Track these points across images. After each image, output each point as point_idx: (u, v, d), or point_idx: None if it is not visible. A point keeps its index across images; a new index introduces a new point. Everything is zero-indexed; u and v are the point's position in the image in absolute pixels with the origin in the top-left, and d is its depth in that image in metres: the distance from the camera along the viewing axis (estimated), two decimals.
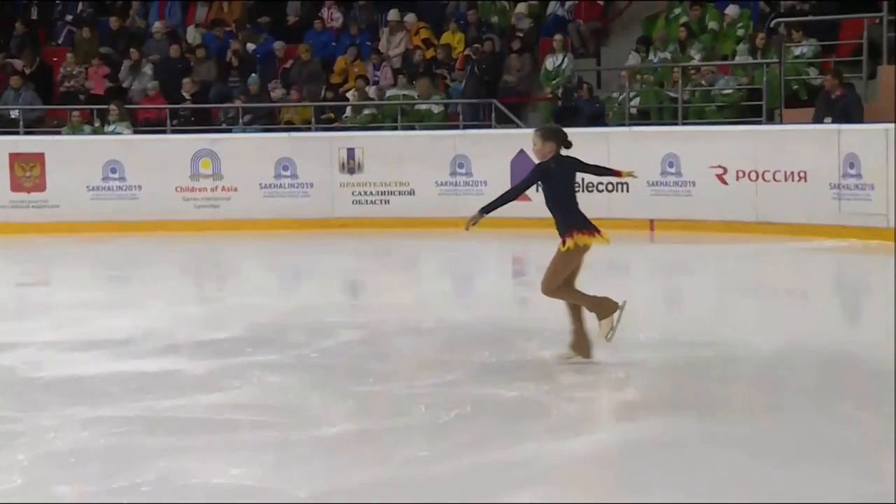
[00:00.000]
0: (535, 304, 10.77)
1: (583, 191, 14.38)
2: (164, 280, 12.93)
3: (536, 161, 7.65)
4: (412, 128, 17.95)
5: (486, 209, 7.68)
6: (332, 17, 21.00)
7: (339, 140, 17.20)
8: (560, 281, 7.57)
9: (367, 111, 18.60)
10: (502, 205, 7.59)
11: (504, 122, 17.97)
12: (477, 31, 19.87)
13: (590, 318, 7.67)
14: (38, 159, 17.01)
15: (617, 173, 7.94)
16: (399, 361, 8.06)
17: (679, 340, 8.49)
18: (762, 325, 9.34)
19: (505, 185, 16.00)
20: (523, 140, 16.66)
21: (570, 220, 7.55)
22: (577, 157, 7.66)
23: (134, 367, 7.84)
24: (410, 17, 20.36)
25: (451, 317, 9.78)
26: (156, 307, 10.58)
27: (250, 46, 20.49)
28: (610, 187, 15.72)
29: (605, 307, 7.59)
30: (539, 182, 7.58)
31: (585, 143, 16.14)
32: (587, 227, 7.52)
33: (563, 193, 7.58)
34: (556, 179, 7.55)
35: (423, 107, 18.36)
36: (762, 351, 8.11)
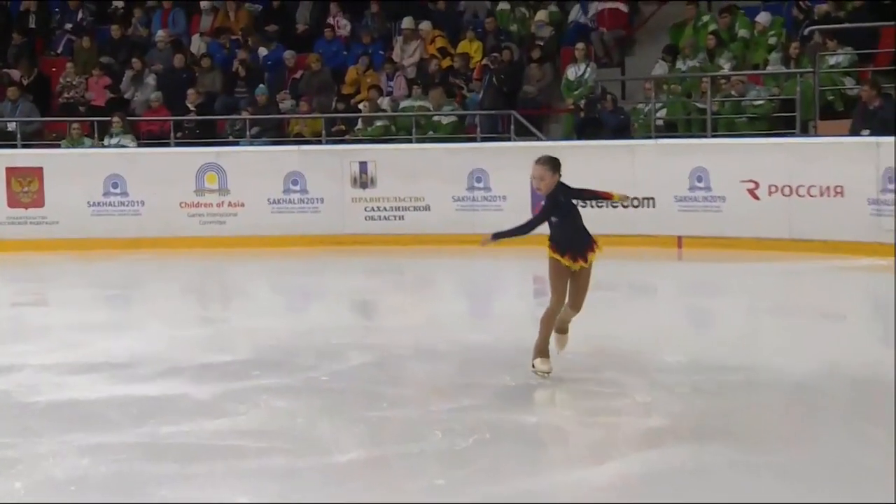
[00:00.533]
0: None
1: (606, 207, 14.37)
2: (167, 300, 12.97)
3: (540, 192, 7.98)
4: (427, 140, 17.98)
5: (499, 236, 8.06)
6: (339, 24, 21.07)
7: (350, 153, 17.25)
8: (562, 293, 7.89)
9: (379, 123, 18.65)
10: (515, 236, 8.04)
11: (524, 134, 17.99)
12: (495, 40, 19.90)
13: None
14: (35, 174, 17.09)
15: (607, 196, 8.11)
16: (413, 385, 8.07)
17: (707, 363, 8.48)
18: (795, 347, 9.33)
19: (525, 201, 16.28)
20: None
21: (587, 236, 7.99)
22: (563, 181, 7.94)
23: (135, 391, 7.87)
24: (425, 25, 20.43)
25: (467, 339, 9.79)
26: (158, 329, 10.60)
27: (262, 52, 20.55)
28: (636, 203, 15.71)
29: (540, 349, 7.87)
30: (551, 216, 7.90)
31: (609, 156, 16.21)
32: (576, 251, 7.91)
33: (576, 220, 7.95)
34: (566, 209, 7.92)
35: (438, 118, 18.40)
36: (794, 375, 8.09)
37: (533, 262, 15.28)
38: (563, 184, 7.91)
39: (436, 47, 20.18)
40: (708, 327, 11.04)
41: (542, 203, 7.97)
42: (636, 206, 15.79)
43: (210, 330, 10.84)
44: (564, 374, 8.07)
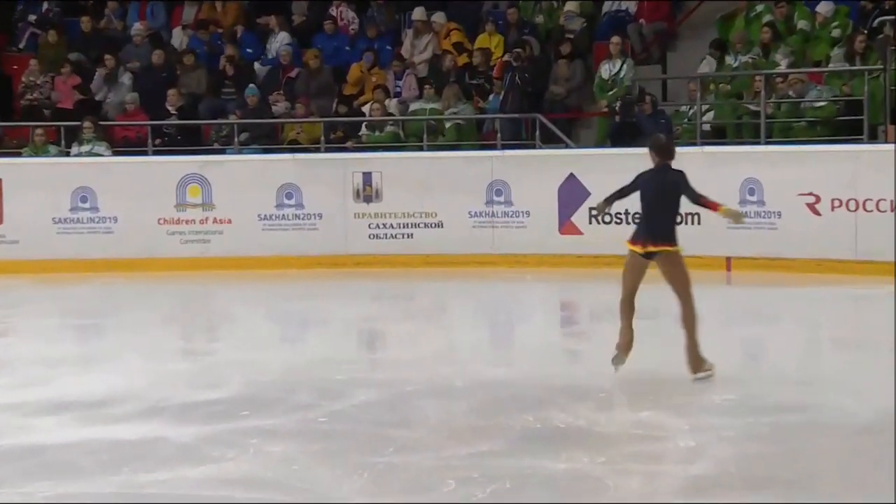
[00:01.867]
0: (588, 358, 10.82)
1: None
2: (145, 330, 12.99)
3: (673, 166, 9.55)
4: (440, 148, 18.02)
5: (611, 199, 9.61)
6: (343, 16, 21.14)
7: (353, 163, 17.30)
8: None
9: (387, 128, 18.70)
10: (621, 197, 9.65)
11: (550, 141, 18.02)
12: (518, 34, 19.95)
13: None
14: None
15: (713, 206, 9.63)
16: (424, 427, 8.08)
17: (761, 403, 8.48)
18: (861, 385, 9.31)
19: (551, 216, 16.31)
20: (573, 162, 16.82)
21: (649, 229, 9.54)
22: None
23: (108, 434, 7.89)
24: (439, 17, 20.48)
25: (486, 374, 9.80)
26: (135, 363, 10.63)
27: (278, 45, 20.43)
28: (678, 219, 15.66)
29: (696, 359, 9.07)
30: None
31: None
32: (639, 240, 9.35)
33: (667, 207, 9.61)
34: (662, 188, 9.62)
35: (453, 122, 18.45)
36: (860, 417, 8.09)
37: (560, 285, 15.37)
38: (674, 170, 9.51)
39: (451, 42, 20.23)
40: (761, 362, 11.03)
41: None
42: (678, 223, 15.75)
43: (194, 364, 10.87)
44: (598, 414, 8.08)
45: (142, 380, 9.65)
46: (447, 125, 18.42)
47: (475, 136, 18.66)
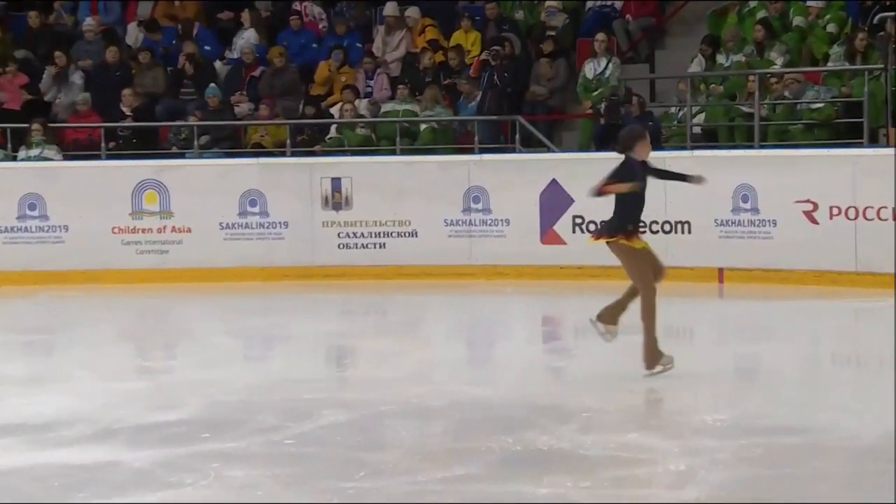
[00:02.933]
0: (572, 376, 10.82)
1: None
2: (98, 347, 12.96)
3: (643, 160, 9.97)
4: (414, 152, 18.02)
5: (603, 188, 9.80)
6: (308, 10, 21.13)
7: (321, 168, 17.29)
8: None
9: (357, 131, 18.69)
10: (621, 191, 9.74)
11: (531, 144, 18.05)
12: (497, 30, 19.98)
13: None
14: None
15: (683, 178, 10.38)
16: (397, 450, 8.07)
17: (756, 424, 8.49)
18: (863, 405, 9.34)
19: (532, 224, 16.33)
20: (555, 167, 16.83)
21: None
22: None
23: (58, 458, 7.86)
24: (413, 12, 20.48)
25: (464, 393, 9.80)
26: (87, 382, 10.60)
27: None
28: (667, 228, 15.75)
29: (652, 353, 9.63)
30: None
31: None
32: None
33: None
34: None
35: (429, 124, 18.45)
36: (863, 438, 8.10)
37: (541, 298, 15.37)
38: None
39: (426, 39, 20.24)
40: (755, 380, 11.05)
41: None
42: (667, 232, 15.83)
43: (150, 383, 10.83)
44: (582, 436, 8.07)
45: (94, 400, 9.62)
46: (422, 127, 18.42)
47: (451, 139, 18.65)
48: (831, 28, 17.79)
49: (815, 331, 13.12)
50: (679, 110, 17.98)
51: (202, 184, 17.18)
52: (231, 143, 19.05)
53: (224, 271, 16.80)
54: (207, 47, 20.86)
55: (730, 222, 15.63)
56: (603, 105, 18.29)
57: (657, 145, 17.21)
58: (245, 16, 20.96)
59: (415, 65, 19.73)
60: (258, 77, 19.99)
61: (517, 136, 17.97)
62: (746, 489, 7.10)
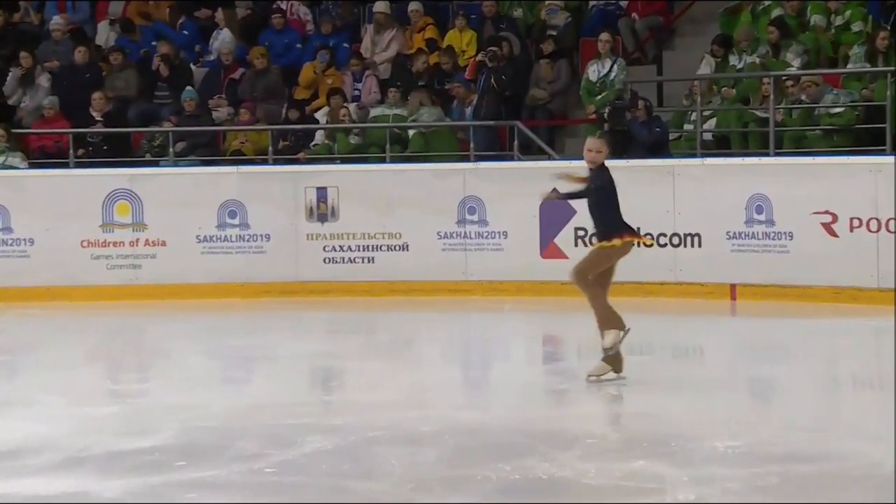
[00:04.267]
0: (574, 399, 10.83)
1: (636, 245, 14.41)
2: (66, 369, 12.95)
3: (591, 166, 10.54)
4: (405, 160, 18.04)
5: (566, 196, 11.05)
6: (294, 9, 21.16)
7: (305, 177, 17.29)
8: (594, 273, 10.14)
9: (351, 139, 18.70)
10: (579, 198, 10.70)
11: (530, 151, 18.07)
12: (494, 29, 20.01)
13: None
14: None
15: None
16: (388, 479, 8.08)
17: (770, 452, 8.50)
18: (885, 430, 9.35)
19: (532, 237, 16.33)
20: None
21: (620, 222, 10.34)
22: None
23: (23, 488, 7.86)
24: (417, 6, 20.39)
25: (459, 418, 9.81)
26: (54, 406, 10.59)
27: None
28: (675, 241, 15.76)
29: (612, 320, 10.03)
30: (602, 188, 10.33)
31: (643, 180, 16.26)
32: (632, 231, 10.44)
33: (616, 199, 10.33)
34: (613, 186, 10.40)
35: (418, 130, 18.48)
36: (884, 467, 8.11)
37: (542, 316, 15.37)
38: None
39: (424, 37, 20.24)
40: (770, 403, 11.06)
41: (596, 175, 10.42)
42: (676, 245, 15.86)
43: (122, 407, 10.84)
44: (586, 464, 8.09)
45: (62, 426, 9.61)
46: (412, 133, 18.44)
47: (451, 141, 18.62)
48: (857, 27, 17.77)
49: (833, 351, 13.14)
50: (688, 115, 17.98)
51: (178, 194, 17.18)
52: (209, 150, 19.05)
53: (201, 287, 16.80)
54: (195, 48, 20.91)
55: (743, 235, 15.64)
56: (607, 110, 18.31)
57: (664, 152, 17.32)
58: (220, 15, 20.99)
59: (406, 66, 19.74)
60: (238, 79, 20.02)
61: (516, 143, 17.97)
62: None
